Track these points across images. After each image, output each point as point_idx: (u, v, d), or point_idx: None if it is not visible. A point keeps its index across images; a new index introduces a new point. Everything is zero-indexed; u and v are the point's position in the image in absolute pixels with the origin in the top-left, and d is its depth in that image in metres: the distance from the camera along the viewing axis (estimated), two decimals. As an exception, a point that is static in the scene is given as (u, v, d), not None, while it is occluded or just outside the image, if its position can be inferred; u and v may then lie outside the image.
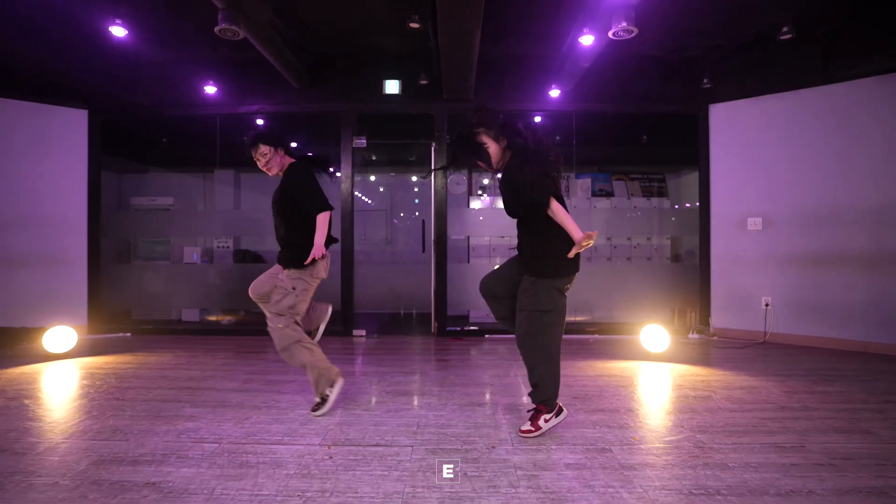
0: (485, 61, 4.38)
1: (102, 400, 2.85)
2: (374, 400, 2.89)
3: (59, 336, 3.92)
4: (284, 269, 2.63)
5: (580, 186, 6.28)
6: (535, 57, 4.77)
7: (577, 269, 2.31)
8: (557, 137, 5.75)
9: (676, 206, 6.46)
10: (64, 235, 4.90)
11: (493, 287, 2.50)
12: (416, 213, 7.53)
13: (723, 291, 4.93)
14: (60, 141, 4.88)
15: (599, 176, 6.48)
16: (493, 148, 2.28)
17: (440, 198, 5.02)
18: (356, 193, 5.33)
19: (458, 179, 6.66)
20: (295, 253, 2.59)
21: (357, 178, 5.16)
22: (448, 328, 5.06)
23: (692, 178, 6.37)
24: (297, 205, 2.64)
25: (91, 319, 4.98)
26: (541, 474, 1.93)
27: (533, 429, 2.29)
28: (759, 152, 4.73)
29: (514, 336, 2.40)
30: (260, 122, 5.51)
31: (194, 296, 5.54)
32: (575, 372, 3.49)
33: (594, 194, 6.29)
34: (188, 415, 2.60)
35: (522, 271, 2.33)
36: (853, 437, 2.30)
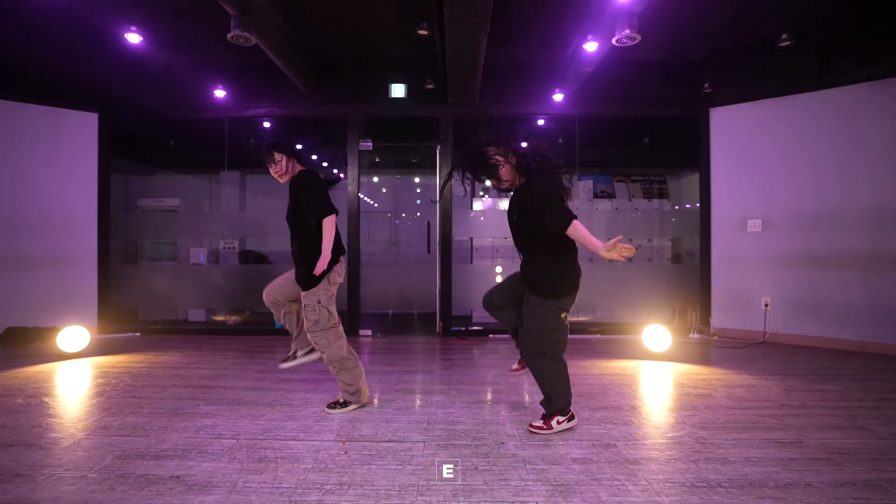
0: (490, 66, 4.45)
1: (119, 398, 2.92)
2: (384, 398, 2.96)
3: (73, 336, 4.00)
4: (303, 289, 2.66)
5: (582, 188, 6.36)
6: (540, 62, 4.85)
7: (577, 288, 2.36)
8: (560, 140, 5.84)
9: (677, 207, 6.54)
10: (74, 236, 4.98)
11: (494, 300, 2.56)
12: (418, 214, 7.62)
13: (723, 292, 5.01)
14: (71, 143, 4.95)
15: (601, 178, 6.56)
16: (505, 168, 2.32)
17: (446, 199, 5.10)
18: (360, 195, 5.40)
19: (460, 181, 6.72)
20: (308, 272, 2.63)
21: (362, 180, 5.23)
22: (453, 328, 5.13)
23: (692, 179, 6.46)
24: (315, 213, 2.64)
25: (101, 319, 5.05)
26: (549, 468, 2.00)
27: (545, 427, 2.37)
28: (759, 155, 4.82)
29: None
30: (267, 124, 5.59)
31: (200, 296, 5.61)
32: (579, 371, 3.57)
33: (596, 196, 6.37)
34: (204, 412, 2.67)
35: (526, 290, 2.38)
36: (849, 433, 2.38)
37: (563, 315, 2.32)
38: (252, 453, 2.14)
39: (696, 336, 4.90)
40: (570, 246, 2.33)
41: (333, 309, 2.70)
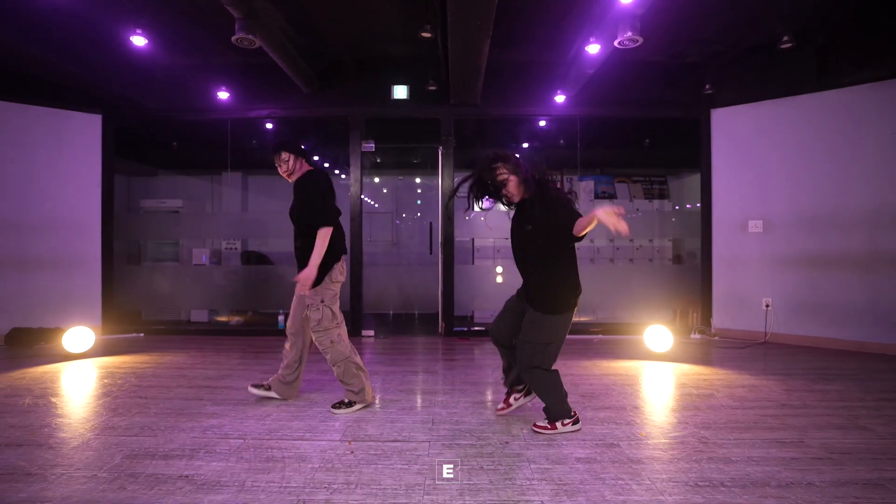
0: (492, 67, 4.48)
1: (125, 398, 2.94)
2: (388, 398, 2.99)
3: (78, 336, 4.02)
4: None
5: (583, 189, 6.38)
6: (542, 63, 4.88)
7: (576, 305, 2.40)
8: (562, 141, 5.87)
9: (677, 207, 6.57)
10: (77, 237, 5.00)
11: (500, 335, 2.56)
12: (419, 215, 7.64)
13: (724, 292, 5.04)
14: (74, 145, 4.97)
15: (602, 178, 6.58)
16: (512, 182, 2.35)
17: (447, 200, 5.12)
18: (362, 196, 5.42)
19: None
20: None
21: (364, 181, 5.26)
22: (455, 328, 5.16)
23: (693, 180, 6.48)
24: (310, 216, 2.67)
25: (105, 320, 5.08)
26: (553, 468, 2.03)
27: (549, 427, 2.40)
28: (760, 156, 4.84)
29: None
30: (269, 126, 5.61)
31: (203, 297, 5.63)
32: (581, 371, 3.60)
33: (597, 196, 6.39)
34: (211, 412, 2.69)
35: (528, 306, 2.41)
36: (850, 432, 2.41)
37: (565, 326, 2.37)
38: (259, 453, 2.17)
39: (698, 336, 4.92)
40: (572, 261, 2.38)
41: (337, 308, 2.73)
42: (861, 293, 4.36)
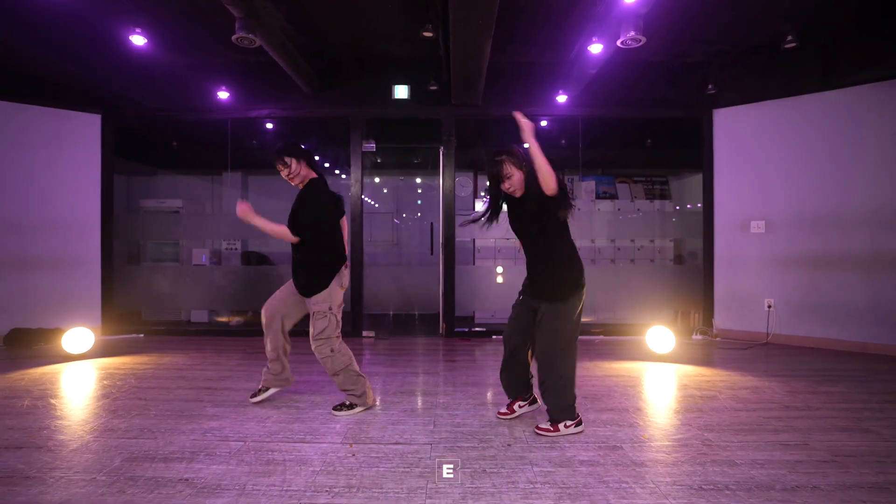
0: (494, 67, 4.46)
1: (125, 399, 2.93)
2: (389, 400, 2.97)
3: (78, 337, 4.00)
4: (308, 297, 2.66)
5: (584, 189, 6.37)
6: (544, 63, 4.86)
7: (584, 284, 2.43)
8: (563, 141, 5.85)
9: (678, 208, 6.55)
10: (77, 238, 4.98)
11: (513, 340, 2.53)
12: (419, 215, 7.62)
13: (726, 293, 5.02)
14: (74, 145, 4.96)
15: (603, 178, 6.56)
16: (517, 176, 2.37)
17: (448, 200, 5.11)
18: (363, 197, 5.40)
19: (463, 182, 6.75)
20: (312, 279, 2.64)
21: (365, 182, 5.24)
22: (456, 329, 5.14)
23: (694, 180, 6.47)
24: (313, 229, 2.64)
25: (105, 321, 5.06)
26: (556, 470, 2.01)
27: (552, 429, 2.38)
28: (762, 156, 4.82)
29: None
30: (270, 126, 5.60)
31: (203, 297, 5.62)
32: (583, 372, 3.58)
33: (598, 197, 6.37)
34: (211, 414, 2.68)
35: (540, 302, 2.39)
36: (855, 435, 2.39)
37: (579, 305, 2.39)
38: (260, 456, 2.15)
39: (699, 337, 4.91)
40: (572, 244, 2.42)
41: (340, 316, 2.72)
42: (863, 294, 4.34)
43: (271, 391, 2.89)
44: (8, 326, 4.50)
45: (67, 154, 4.93)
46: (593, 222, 5.59)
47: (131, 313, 5.51)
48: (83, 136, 5.00)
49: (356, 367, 2.72)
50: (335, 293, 2.67)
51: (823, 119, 4.53)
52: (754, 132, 4.87)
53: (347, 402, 2.72)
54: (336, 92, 5.09)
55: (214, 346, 4.59)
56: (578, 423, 2.42)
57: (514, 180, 2.38)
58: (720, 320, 5.03)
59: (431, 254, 6.72)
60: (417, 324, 6.14)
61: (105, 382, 3.31)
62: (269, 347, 2.79)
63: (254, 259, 6.39)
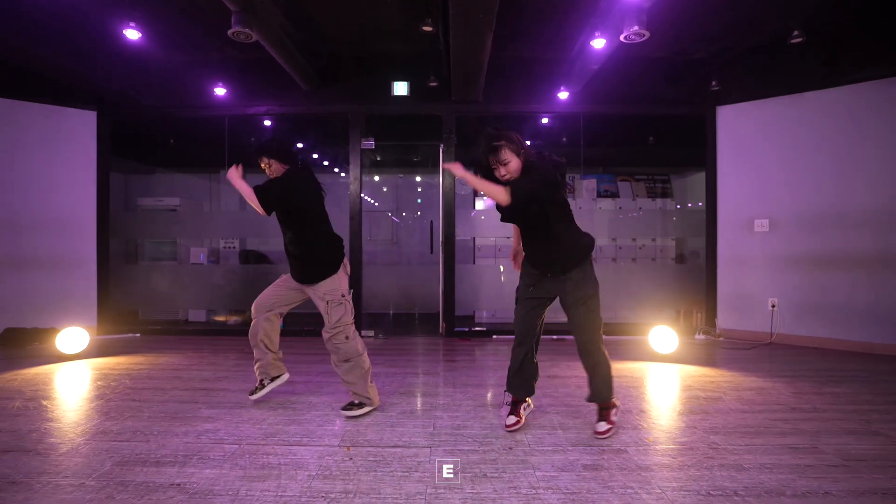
0: (494, 63, 4.40)
1: (119, 401, 2.87)
2: (388, 401, 2.91)
3: (72, 337, 3.94)
4: (314, 283, 2.60)
5: (585, 187, 6.30)
6: (545, 59, 4.80)
7: (594, 242, 2.43)
8: (564, 139, 5.79)
9: (679, 207, 6.49)
10: (73, 236, 4.92)
11: (528, 342, 2.48)
12: (419, 213, 7.56)
13: (729, 292, 4.96)
14: (70, 142, 4.90)
15: (604, 177, 6.50)
16: (514, 164, 2.24)
17: (448, 199, 5.05)
18: (362, 195, 5.34)
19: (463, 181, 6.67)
20: (319, 268, 2.60)
21: (364, 180, 5.18)
22: (456, 328, 5.09)
23: (697, 179, 6.40)
24: (300, 213, 2.60)
25: (101, 320, 5.01)
26: (559, 475, 1.95)
27: (610, 426, 2.37)
28: (766, 154, 4.76)
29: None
30: (268, 123, 5.53)
31: (201, 296, 5.57)
32: (584, 373, 3.51)
33: (599, 195, 6.32)
34: (205, 416, 2.62)
35: (558, 278, 2.34)
36: (864, 438, 2.33)
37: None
38: (254, 459, 2.09)
39: (702, 337, 4.85)
40: (577, 229, 2.39)
41: (351, 303, 2.68)
42: (868, 293, 4.28)
43: (270, 386, 2.81)
44: (2, 326, 4.45)
45: (63, 151, 4.87)
46: (594, 221, 5.52)
47: (128, 313, 5.46)
48: (79, 133, 4.94)
49: (368, 361, 2.67)
50: (343, 279, 2.64)
51: (828, 116, 4.47)
52: (758, 129, 4.81)
53: (356, 402, 2.65)
54: (335, 89, 5.03)
55: (212, 345, 4.54)
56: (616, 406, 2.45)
57: (510, 167, 2.23)
58: (723, 320, 4.98)
59: (431, 252, 6.66)
60: (417, 323, 6.08)
61: (99, 383, 3.26)
62: (258, 335, 2.71)
63: (252, 258, 6.32)
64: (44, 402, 2.83)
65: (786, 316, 4.66)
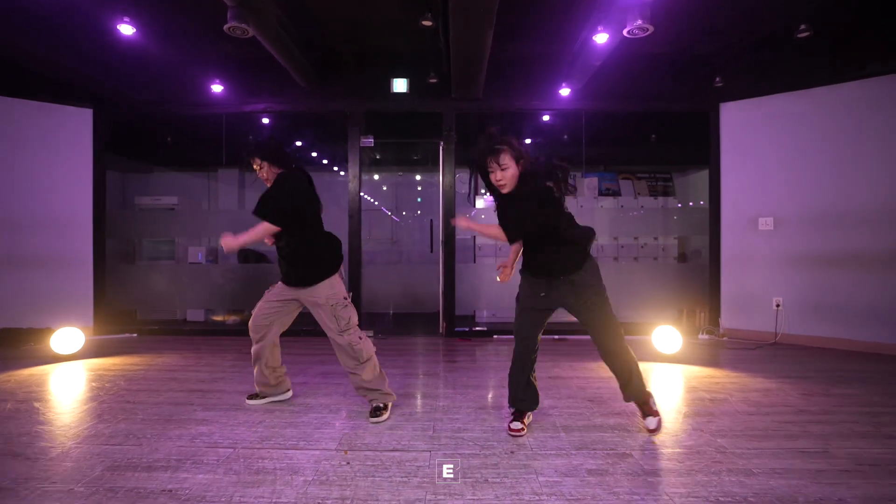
0: (495, 60, 4.34)
1: (112, 403, 2.82)
2: (387, 403, 2.85)
3: (67, 337, 3.89)
4: (313, 285, 2.54)
5: (586, 186, 6.25)
6: (546, 55, 4.73)
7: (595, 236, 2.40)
8: (566, 136, 5.73)
9: (679, 205, 6.42)
10: (69, 235, 4.87)
11: (533, 357, 2.40)
12: (419, 212, 7.50)
13: (733, 291, 4.90)
14: (65, 140, 4.84)
15: (606, 175, 6.45)
16: (511, 171, 2.18)
17: (449, 197, 4.99)
18: (361, 193, 5.28)
19: (464, 178, 6.62)
20: (319, 268, 2.55)
21: (363, 178, 5.12)
22: (456, 328, 5.03)
23: (699, 177, 6.34)
24: (300, 213, 2.54)
25: (97, 320, 4.95)
26: (563, 481, 1.89)
27: (657, 416, 2.37)
28: (772, 151, 4.70)
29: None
30: (266, 120, 5.47)
31: (199, 296, 5.51)
32: (586, 374, 3.46)
33: (601, 193, 6.26)
34: (200, 418, 2.56)
35: (567, 281, 2.26)
36: (877, 441, 2.27)
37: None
38: (249, 464, 2.03)
39: (706, 337, 4.79)
40: (574, 230, 2.32)
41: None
42: (876, 292, 4.22)
43: (269, 399, 2.79)
44: (-3, 326, 4.40)
45: (58, 150, 4.81)
46: (595, 219, 5.46)
47: (126, 312, 5.41)
48: (74, 130, 4.87)
49: (376, 360, 2.64)
50: (339, 283, 2.60)
51: (835, 112, 4.40)
52: (763, 126, 4.74)
53: (381, 405, 2.60)
54: (333, 86, 4.97)
55: (210, 345, 4.48)
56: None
57: (507, 174, 2.17)
58: (727, 319, 4.91)
59: (431, 251, 6.60)
60: (417, 323, 6.02)
61: (93, 384, 3.20)
62: (262, 360, 2.68)
63: (252, 257, 6.27)
64: (36, 405, 2.78)
65: (791, 315, 4.60)
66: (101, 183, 4.98)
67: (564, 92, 4.81)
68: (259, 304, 2.70)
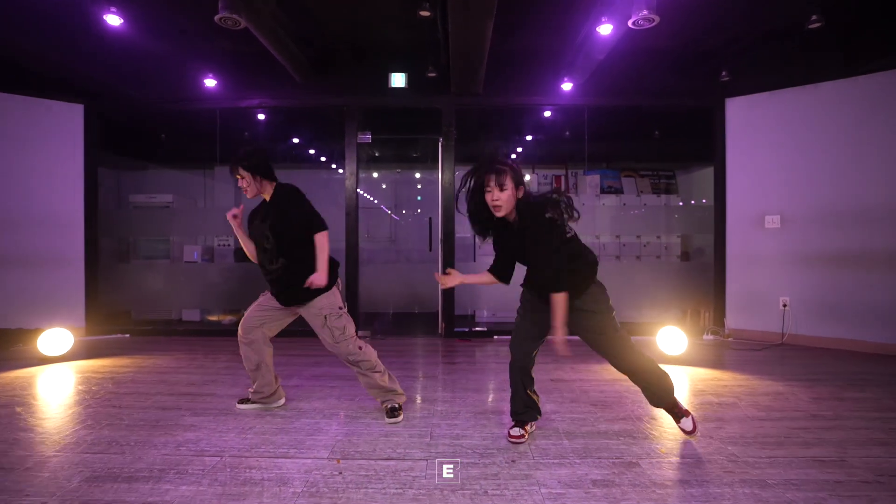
0: (495, 54, 4.22)
1: (98, 407, 2.71)
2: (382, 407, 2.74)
3: (55, 338, 3.78)
4: (306, 302, 2.48)
5: (589, 183, 6.14)
6: (548, 49, 4.61)
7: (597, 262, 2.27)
8: (567, 133, 5.62)
9: (681, 203, 6.31)
10: (60, 234, 4.76)
11: (525, 357, 2.28)
12: (419, 211, 7.39)
13: (738, 291, 4.79)
14: (56, 137, 4.73)
15: (608, 172, 6.33)
16: (510, 192, 2.07)
17: (448, 195, 4.88)
18: (359, 191, 5.17)
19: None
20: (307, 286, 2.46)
21: (361, 175, 5.01)
22: (455, 329, 4.92)
23: (702, 174, 6.22)
24: (298, 230, 2.46)
25: (89, 320, 4.85)
26: (567, 492, 1.79)
27: (690, 416, 2.27)
28: (778, 147, 4.58)
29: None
30: (261, 116, 5.36)
31: (195, 295, 5.41)
32: (590, 376, 3.36)
33: (603, 191, 6.15)
34: (188, 424, 2.46)
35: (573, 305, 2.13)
36: (894, 450, 2.16)
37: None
38: (236, 474, 1.93)
39: (711, 337, 4.68)
40: (578, 249, 2.19)
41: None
42: (886, 292, 4.10)
43: (260, 406, 2.68)
44: (-14, 327, 4.30)
45: (49, 146, 4.71)
46: (597, 218, 5.35)
47: (121, 312, 5.30)
48: (65, 127, 4.77)
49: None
50: (336, 294, 2.54)
51: (843, 107, 4.29)
52: (769, 122, 4.62)
53: (396, 405, 2.54)
54: (330, 80, 4.85)
55: (204, 346, 4.38)
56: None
57: (504, 196, 2.05)
58: (732, 319, 4.80)
59: (430, 250, 6.49)
60: (416, 323, 5.91)
61: (80, 388, 3.10)
62: (252, 362, 2.59)
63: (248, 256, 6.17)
64: (18, 410, 2.67)
65: (798, 315, 4.49)
66: (92, 180, 4.88)
67: (567, 87, 4.69)
68: (252, 308, 2.60)
